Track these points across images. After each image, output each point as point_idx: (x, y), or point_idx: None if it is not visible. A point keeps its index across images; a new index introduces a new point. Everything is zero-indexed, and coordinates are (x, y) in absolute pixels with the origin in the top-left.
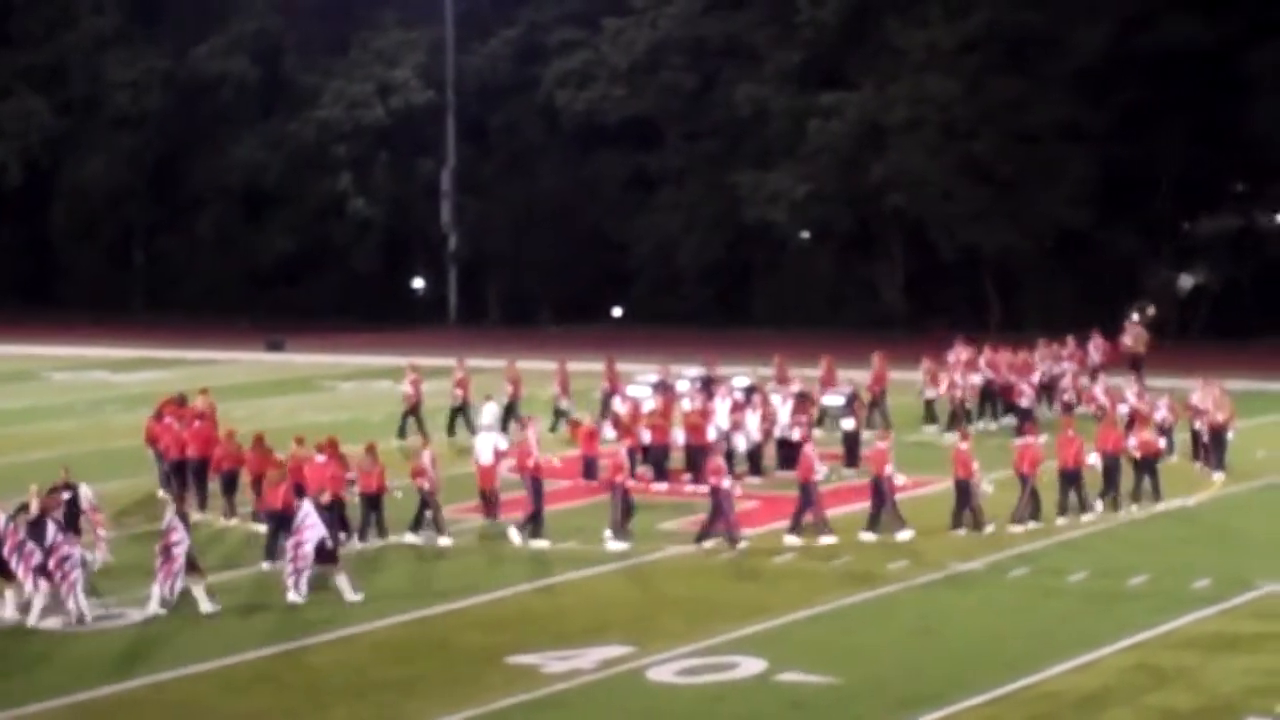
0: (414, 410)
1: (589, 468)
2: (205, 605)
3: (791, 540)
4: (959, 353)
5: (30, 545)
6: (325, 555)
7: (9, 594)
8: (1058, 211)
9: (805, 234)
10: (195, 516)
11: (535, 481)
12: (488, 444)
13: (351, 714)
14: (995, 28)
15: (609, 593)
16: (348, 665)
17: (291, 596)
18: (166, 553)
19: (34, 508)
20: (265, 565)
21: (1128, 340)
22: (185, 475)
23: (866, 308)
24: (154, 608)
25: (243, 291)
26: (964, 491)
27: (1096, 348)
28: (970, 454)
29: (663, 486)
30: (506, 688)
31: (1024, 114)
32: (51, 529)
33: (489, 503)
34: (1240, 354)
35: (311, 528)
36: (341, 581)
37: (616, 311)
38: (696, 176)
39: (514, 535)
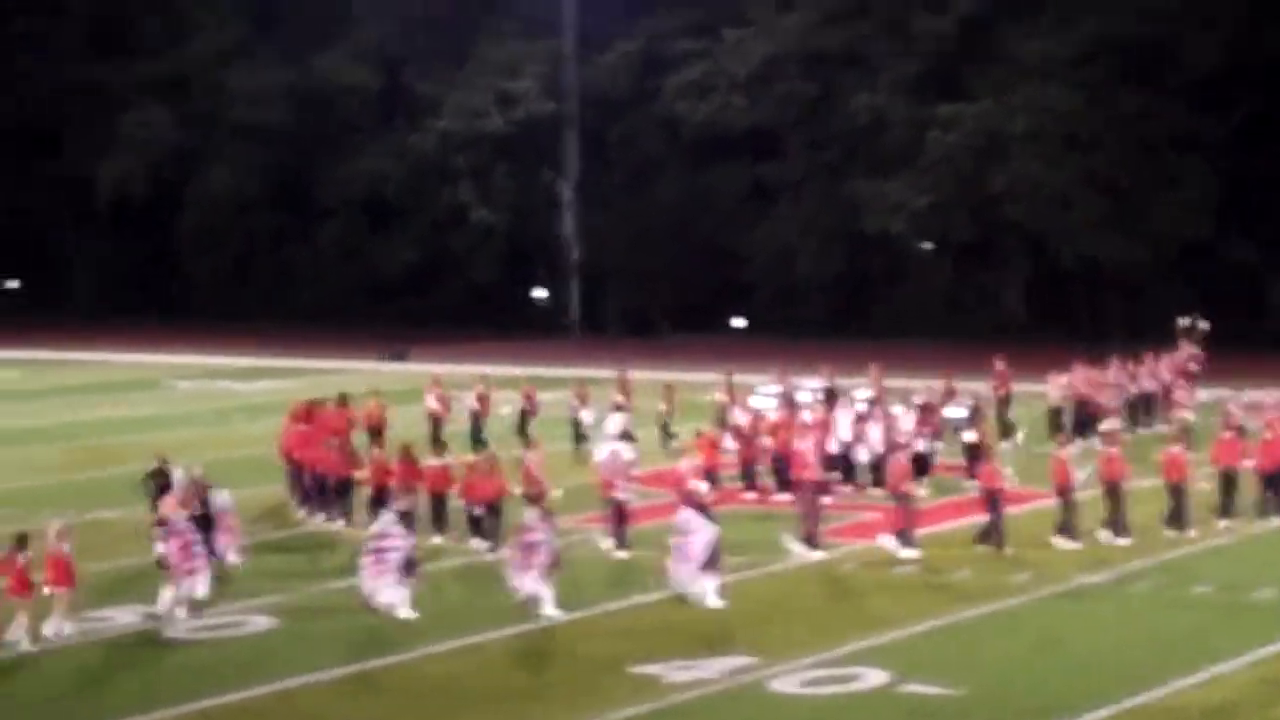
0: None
1: (710, 478)
2: (404, 612)
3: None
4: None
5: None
6: (711, 560)
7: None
8: (1178, 222)
9: (928, 244)
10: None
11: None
12: (613, 453)
13: None
14: (1108, 38)
15: (733, 603)
16: (476, 672)
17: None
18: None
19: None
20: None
21: (1165, 371)
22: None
23: (986, 317)
24: (405, 612)
25: (366, 301)
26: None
27: (1168, 366)
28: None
29: (786, 497)
30: (630, 697)
31: (1144, 124)
32: (387, 518)
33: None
34: None
35: (697, 532)
36: (709, 584)
37: (738, 322)
38: (815, 186)
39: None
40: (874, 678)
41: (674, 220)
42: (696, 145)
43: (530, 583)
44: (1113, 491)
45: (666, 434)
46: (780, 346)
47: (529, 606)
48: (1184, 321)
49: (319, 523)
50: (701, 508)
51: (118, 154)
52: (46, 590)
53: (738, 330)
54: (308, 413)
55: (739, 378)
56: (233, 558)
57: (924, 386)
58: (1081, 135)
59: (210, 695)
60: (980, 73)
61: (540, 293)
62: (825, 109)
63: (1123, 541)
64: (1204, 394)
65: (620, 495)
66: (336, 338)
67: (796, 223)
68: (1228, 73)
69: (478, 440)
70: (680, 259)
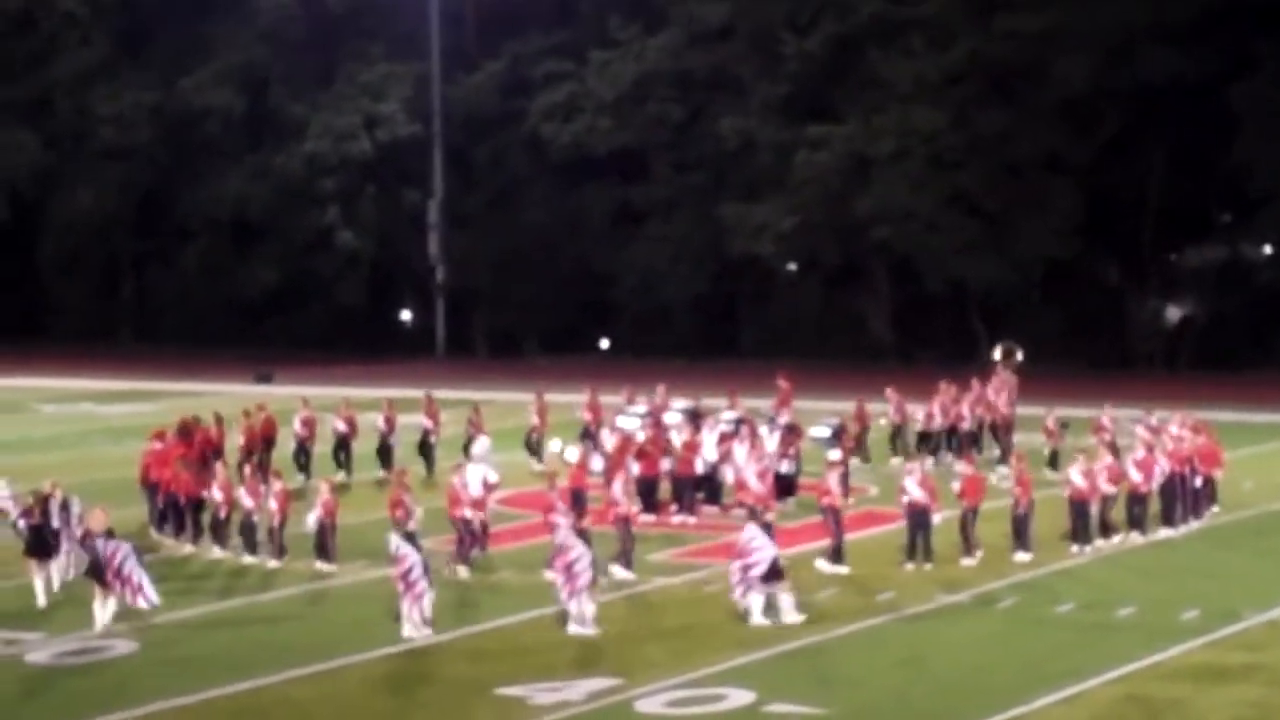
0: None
1: (577, 499)
2: (577, 629)
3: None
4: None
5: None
6: (775, 574)
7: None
8: (1044, 243)
9: (792, 266)
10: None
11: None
12: (477, 476)
13: None
14: (978, 59)
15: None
16: (340, 696)
17: (756, 618)
18: (568, 571)
19: (94, 527)
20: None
21: (991, 394)
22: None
23: (854, 340)
24: (575, 627)
25: (230, 323)
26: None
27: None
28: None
29: (651, 518)
30: None
31: (1009, 146)
32: (394, 541)
33: (477, 534)
34: (1229, 385)
35: (761, 549)
36: (785, 601)
37: (604, 343)
38: (683, 209)
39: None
40: (739, 698)
41: (541, 242)
42: (564, 167)
43: (576, 603)
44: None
45: (533, 450)
46: (647, 368)
47: (577, 623)
48: (1000, 349)
49: (176, 544)
50: (767, 526)
51: None
52: None
53: (604, 351)
54: (184, 432)
55: (606, 399)
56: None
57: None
58: (948, 157)
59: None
60: (849, 95)
61: (406, 315)
62: (693, 131)
63: (971, 561)
64: (1071, 413)
65: (468, 515)
66: (201, 360)
67: (664, 244)
68: (1093, 94)
69: (339, 462)
70: (547, 280)
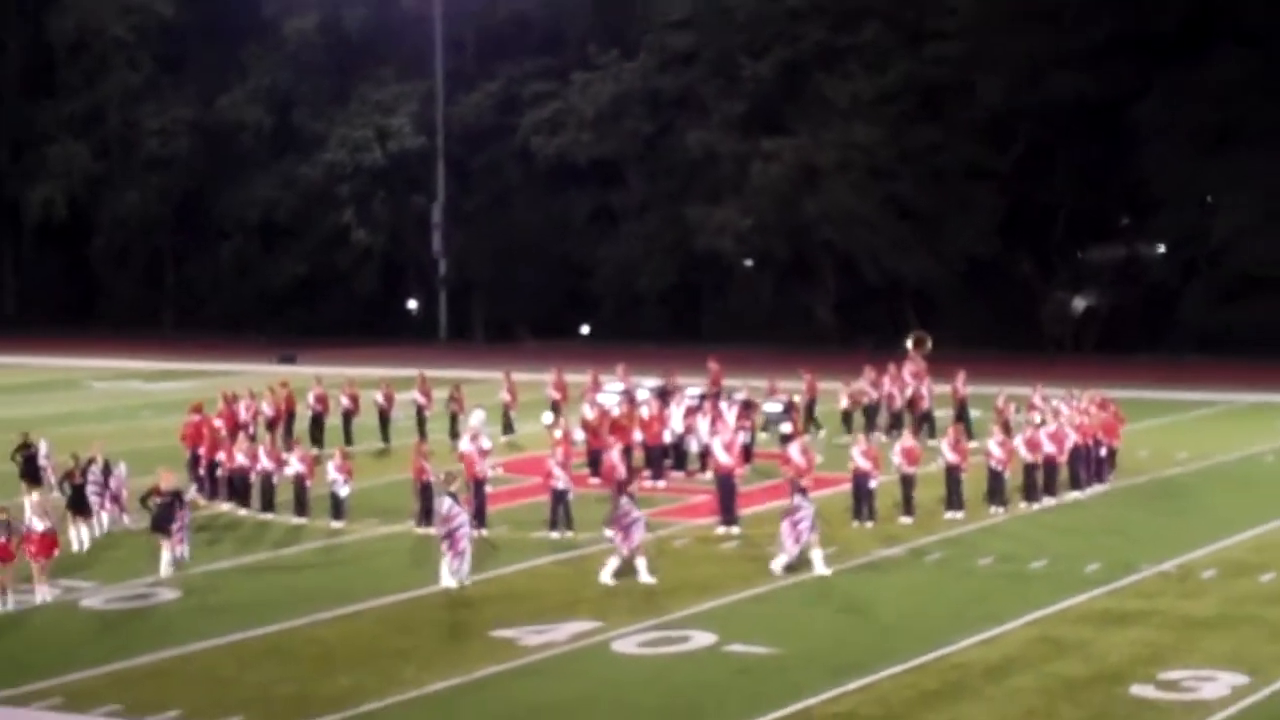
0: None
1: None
2: (647, 578)
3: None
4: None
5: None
6: (814, 530)
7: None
8: (968, 242)
9: (749, 261)
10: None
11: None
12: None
13: (357, 681)
14: (909, 81)
15: (579, 576)
16: (355, 637)
17: (819, 568)
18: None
19: (164, 486)
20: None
21: (907, 376)
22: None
23: (802, 327)
24: (646, 577)
25: (259, 311)
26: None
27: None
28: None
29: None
30: (490, 657)
31: (937, 157)
32: (447, 502)
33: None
34: (1126, 367)
35: (804, 510)
36: (817, 555)
37: (585, 329)
38: (654, 211)
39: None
40: (702, 639)
41: (530, 239)
42: (549, 174)
43: (629, 555)
44: (908, 478)
45: (508, 426)
46: (622, 350)
47: (646, 574)
48: (912, 337)
49: (211, 503)
50: (803, 491)
51: (43, 181)
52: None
53: (586, 336)
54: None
55: (583, 378)
56: (126, 521)
57: (745, 385)
58: (884, 167)
59: (122, 659)
60: (798, 112)
61: (412, 304)
62: (663, 144)
63: (907, 520)
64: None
65: (482, 474)
66: (234, 344)
67: (637, 242)
68: (1010, 112)
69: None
70: (536, 273)
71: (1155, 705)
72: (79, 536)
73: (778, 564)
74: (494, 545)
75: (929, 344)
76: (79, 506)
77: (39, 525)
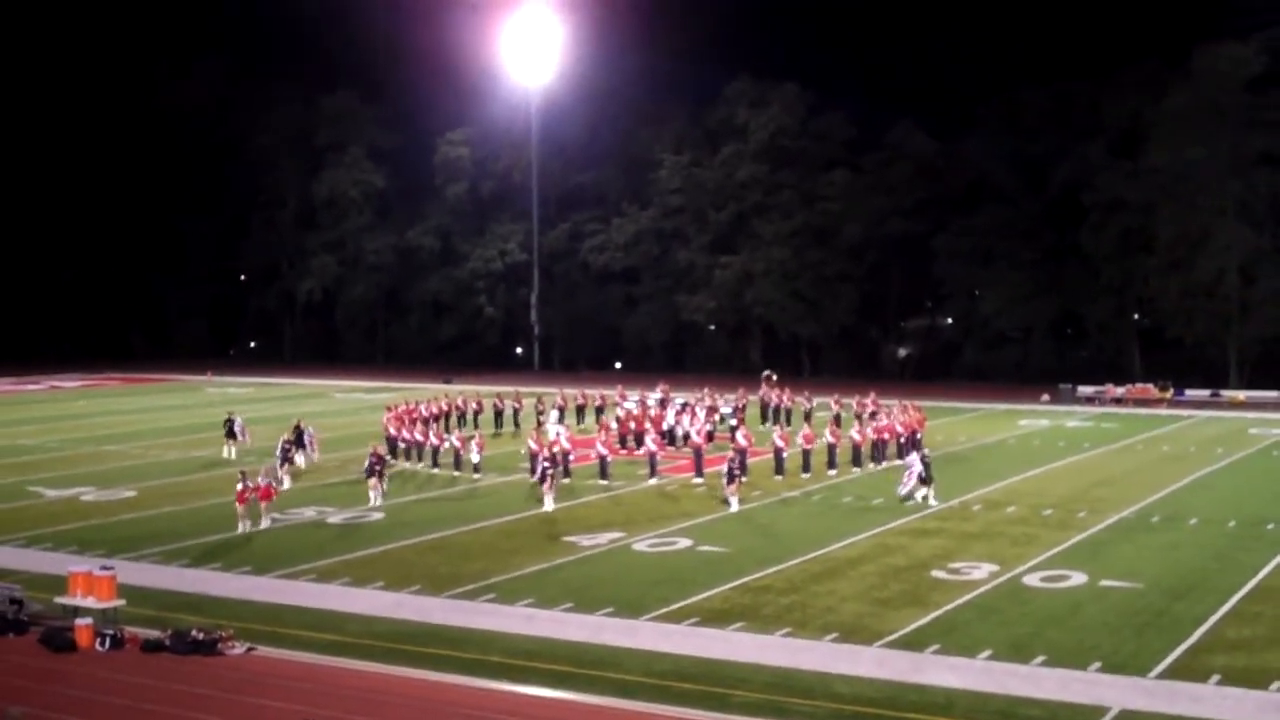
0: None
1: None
2: (734, 508)
3: (699, 481)
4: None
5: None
6: (926, 480)
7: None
8: (839, 317)
9: (712, 327)
10: (417, 466)
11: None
12: (553, 431)
13: (485, 566)
14: (807, 225)
15: (614, 506)
16: (484, 540)
17: (931, 501)
18: (731, 476)
19: (377, 451)
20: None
21: (773, 394)
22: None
23: (741, 365)
24: (733, 507)
25: (431, 354)
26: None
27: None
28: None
29: (641, 452)
30: (561, 553)
31: (824, 268)
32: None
33: (558, 465)
34: (929, 389)
35: (914, 464)
36: (922, 492)
37: (618, 365)
38: (657, 299)
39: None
40: (684, 543)
41: (587, 314)
42: (598, 277)
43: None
44: (805, 451)
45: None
46: (639, 378)
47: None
48: (766, 373)
49: (402, 465)
50: (915, 445)
51: (306, 279)
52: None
53: (618, 369)
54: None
55: (612, 391)
56: (317, 457)
57: (709, 395)
58: (791, 273)
59: (347, 553)
60: (742, 241)
61: (519, 350)
62: (664, 259)
63: (806, 475)
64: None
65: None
66: (417, 371)
67: (648, 315)
68: (864, 242)
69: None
70: (590, 333)
71: (946, 583)
72: (290, 479)
73: (733, 505)
74: (571, 487)
75: (775, 378)
76: (287, 459)
77: (287, 482)
